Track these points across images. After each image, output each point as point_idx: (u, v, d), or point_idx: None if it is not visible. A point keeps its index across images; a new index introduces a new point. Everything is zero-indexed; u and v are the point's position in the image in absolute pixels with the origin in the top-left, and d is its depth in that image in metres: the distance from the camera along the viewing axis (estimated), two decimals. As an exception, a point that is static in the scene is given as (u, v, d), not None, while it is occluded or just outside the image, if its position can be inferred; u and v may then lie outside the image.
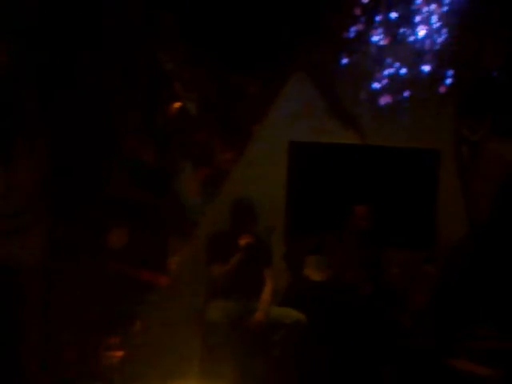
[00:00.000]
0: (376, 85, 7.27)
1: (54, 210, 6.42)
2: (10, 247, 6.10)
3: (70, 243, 6.43)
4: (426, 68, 7.19)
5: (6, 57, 6.32)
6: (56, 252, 6.37)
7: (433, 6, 6.96)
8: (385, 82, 7.26)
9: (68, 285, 6.26)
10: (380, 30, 7.19)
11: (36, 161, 6.45)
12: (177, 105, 7.60)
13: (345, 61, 7.26)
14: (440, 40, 7.17)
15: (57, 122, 6.54)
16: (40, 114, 6.48)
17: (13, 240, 6.15)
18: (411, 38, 7.18)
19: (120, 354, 6.63)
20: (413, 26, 7.15)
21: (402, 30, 7.16)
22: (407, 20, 7.15)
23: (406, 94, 7.25)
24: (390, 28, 7.18)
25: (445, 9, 7.01)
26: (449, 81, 7.34)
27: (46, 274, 6.20)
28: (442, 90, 7.29)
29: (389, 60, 7.20)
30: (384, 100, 7.35)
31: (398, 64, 7.22)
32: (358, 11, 7.17)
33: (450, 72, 7.33)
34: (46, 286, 6.17)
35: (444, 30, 7.15)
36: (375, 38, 7.12)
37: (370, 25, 7.18)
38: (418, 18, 7.13)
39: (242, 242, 6.73)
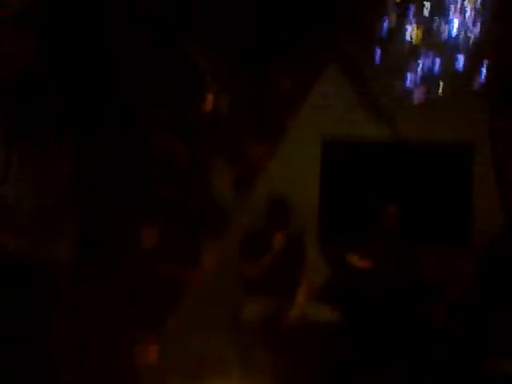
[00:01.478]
0: (409, 79, 7.17)
1: (84, 210, 6.45)
2: (41, 246, 6.16)
3: (100, 242, 6.46)
4: (460, 61, 7.07)
5: (34, 52, 6.34)
6: (87, 251, 6.41)
7: (466, -1, 6.85)
8: (418, 76, 7.17)
9: (99, 284, 6.29)
10: (413, 22, 7.07)
11: (66, 161, 6.48)
12: (209, 100, 7.56)
13: (377, 55, 7.17)
14: (475, 31, 7.04)
15: (86, 121, 6.56)
16: (69, 114, 6.50)
17: (43, 239, 6.21)
18: (445, 30, 7.05)
19: (154, 352, 6.66)
20: (447, 18, 7.02)
21: (435, 22, 7.04)
22: (441, 11, 7.03)
23: (440, 88, 7.15)
24: (423, 20, 7.06)
25: (478, 1, 6.88)
26: (483, 71, 7.21)
27: (77, 273, 6.24)
28: (477, 83, 7.18)
29: (422, 54, 7.09)
30: (418, 93, 7.26)
31: (431, 58, 7.11)
32: (390, 3, 7.05)
33: (485, 62, 7.20)
34: (77, 286, 6.22)
35: (478, 22, 7.02)
36: (408, 32, 7.01)
37: (403, 17, 7.07)
38: (451, 10, 7.00)
39: (277, 240, 6.71)
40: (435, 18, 7.01)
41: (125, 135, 6.81)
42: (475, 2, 6.94)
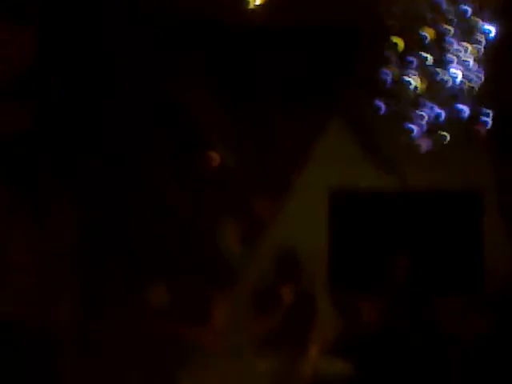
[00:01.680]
0: (414, 128, 7.19)
1: (87, 268, 6.41)
2: (42, 304, 6.09)
3: (103, 301, 6.40)
4: (464, 108, 7.10)
5: (29, 116, 6.38)
6: (90, 311, 6.34)
7: (468, 47, 6.90)
8: (423, 125, 7.18)
9: (102, 344, 6.21)
10: (415, 73, 7.12)
11: (66, 217, 6.47)
12: (214, 156, 7.58)
13: (381, 105, 7.20)
14: (476, 79, 7.09)
15: (85, 180, 6.56)
16: (67, 172, 6.50)
17: (45, 297, 6.15)
18: (447, 79, 7.10)
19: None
20: (448, 67, 7.08)
21: (437, 72, 7.09)
22: (442, 61, 7.09)
23: (445, 136, 7.16)
24: (425, 70, 7.12)
25: (479, 47, 6.94)
26: (488, 120, 7.24)
27: (78, 334, 6.16)
28: (482, 130, 7.19)
29: (426, 103, 7.12)
30: (423, 143, 7.27)
31: (435, 106, 7.14)
32: (392, 55, 7.11)
33: (489, 111, 7.23)
34: (79, 345, 6.14)
35: (479, 69, 7.07)
36: (411, 82, 7.05)
37: (405, 68, 7.12)
38: (452, 59, 7.05)
39: (289, 294, 6.66)
40: (438, 68, 7.07)
41: (130, 192, 6.81)
42: (478, 53, 7.01)
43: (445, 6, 6.93)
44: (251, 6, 7.00)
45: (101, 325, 6.31)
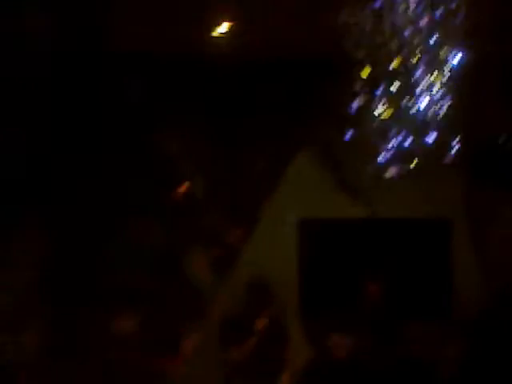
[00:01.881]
0: (382, 157, 7.22)
1: (52, 304, 6.36)
2: (3, 344, 6.03)
3: (70, 335, 6.35)
4: (432, 137, 7.14)
5: None
6: (55, 347, 6.28)
7: (434, 75, 6.96)
8: (390, 153, 7.21)
9: (70, 372, 6.15)
10: (382, 102, 7.17)
11: (34, 254, 6.42)
12: (183, 187, 7.58)
13: (349, 135, 7.23)
14: (443, 108, 7.15)
15: (55, 212, 6.53)
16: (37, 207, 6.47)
17: (5, 337, 6.09)
18: (414, 108, 7.15)
19: None
20: (415, 96, 7.13)
21: (404, 101, 7.14)
22: (409, 90, 7.14)
23: (413, 164, 7.19)
24: (392, 100, 7.16)
25: (446, 77, 7.00)
26: (456, 148, 7.28)
27: (41, 371, 6.10)
28: (450, 158, 7.24)
29: (393, 131, 7.16)
30: (391, 172, 7.30)
31: (402, 135, 7.18)
32: (358, 85, 7.16)
33: (457, 139, 7.27)
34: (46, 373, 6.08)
35: (447, 98, 7.13)
36: (378, 111, 7.10)
37: (372, 98, 7.17)
38: (419, 88, 7.11)
39: (260, 324, 6.63)
40: (404, 95, 7.12)
41: (95, 223, 6.79)
42: (442, 78, 7.06)
43: (411, 35, 7.00)
44: (215, 34, 7.05)
45: (69, 353, 6.24)
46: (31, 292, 6.28)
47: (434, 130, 7.11)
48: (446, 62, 6.98)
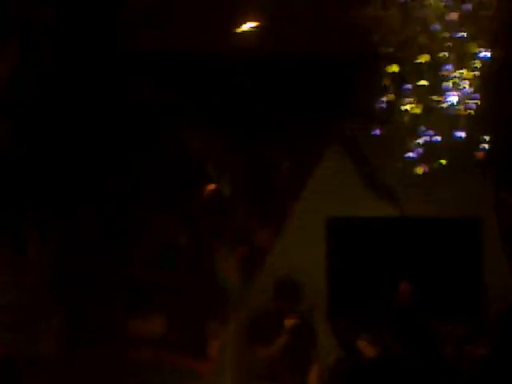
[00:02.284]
0: (410, 154, 7.13)
1: (69, 301, 6.33)
2: (16, 341, 6.01)
3: (87, 333, 6.33)
4: (461, 134, 7.04)
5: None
6: (71, 343, 6.25)
7: (462, 71, 6.87)
8: (419, 150, 7.12)
9: (86, 377, 6.12)
10: (410, 99, 7.07)
11: (48, 250, 6.38)
12: (210, 186, 7.54)
13: (377, 132, 7.14)
14: (473, 105, 7.04)
15: (70, 206, 6.50)
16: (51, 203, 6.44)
17: (19, 333, 6.06)
18: (443, 105, 7.05)
19: None
20: (444, 93, 7.03)
21: (433, 97, 7.05)
22: (437, 87, 7.05)
23: (442, 161, 7.09)
24: (420, 96, 7.07)
25: (475, 73, 6.90)
26: (485, 146, 7.17)
27: (56, 368, 6.07)
28: (479, 155, 7.13)
29: (422, 128, 7.07)
30: (419, 169, 7.20)
31: (431, 132, 7.08)
32: (387, 81, 7.08)
33: (486, 137, 7.17)
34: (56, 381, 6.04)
35: (476, 95, 7.03)
36: (406, 107, 7.00)
37: (400, 94, 7.08)
38: (448, 84, 7.01)
39: (289, 322, 6.60)
40: (434, 94, 7.03)
41: (118, 219, 6.76)
42: (474, 78, 6.97)
43: (440, 31, 6.92)
44: (241, 30, 7.00)
45: (81, 356, 6.23)
46: (48, 291, 6.26)
47: (464, 128, 7.01)
48: (475, 57, 6.88)
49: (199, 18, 6.97)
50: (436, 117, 7.02)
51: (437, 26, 6.80)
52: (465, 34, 6.81)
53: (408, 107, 6.97)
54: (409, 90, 7.00)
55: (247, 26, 7.14)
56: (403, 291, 7.01)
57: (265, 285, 7.00)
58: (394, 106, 7.05)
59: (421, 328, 6.96)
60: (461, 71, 6.87)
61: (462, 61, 6.92)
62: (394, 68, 6.92)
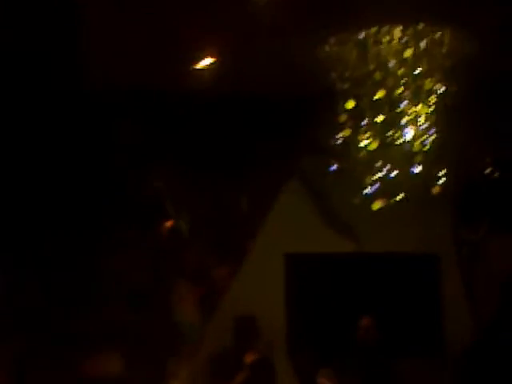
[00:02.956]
0: (368, 190, 7.14)
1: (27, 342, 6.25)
2: None
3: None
4: (418, 169, 7.07)
5: None
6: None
7: (419, 106, 6.93)
8: (376, 186, 7.13)
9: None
10: (367, 135, 7.11)
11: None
12: (168, 224, 7.50)
13: (335, 167, 7.16)
14: (429, 140, 7.09)
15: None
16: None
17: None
18: (399, 140, 7.09)
19: None
20: (400, 128, 7.08)
21: (389, 133, 7.09)
22: (394, 122, 7.09)
23: (399, 196, 7.11)
24: (377, 132, 7.10)
25: (431, 108, 6.97)
26: (442, 181, 7.20)
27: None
28: (436, 190, 7.16)
29: (379, 164, 7.09)
30: (377, 204, 7.21)
31: (388, 167, 7.11)
32: (343, 117, 7.11)
33: (442, 172, 7.20)
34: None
35: (432, 130, 7.08)
36: (363, 143, 7.04)
37: (357, 130, 7.11)
38: (404, 120, 7.06)
39: (248, 359, 6.55)
40: (390, 129, 7.07)
41: (83, 258, 6.70)
42: (428, 110, 7.02)
43: (396, 68, 6.98)
44: (199, 68, 7.01)
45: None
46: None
47: (420, 162, 7.04)
48: (431, 93, 6.95)
49: (157, 54, 6.98)
50: (393, 152, 7.06)
51: (393, 63, 6.87)
52: (420, 71, 6.90)
53: (365, 143, 7.00)
54: (365, 125, 7.04)
55: (205, 63, 7.15)
56: (363, 326, 6.98)
57: (224, 322, 6.93)
58: (351, 141, 7.09)
59: (380, 364, 6.94)
60: (417, 107, 6.94)
61: (418, 97, 6.98)
62: (351, 104, 6.97)
